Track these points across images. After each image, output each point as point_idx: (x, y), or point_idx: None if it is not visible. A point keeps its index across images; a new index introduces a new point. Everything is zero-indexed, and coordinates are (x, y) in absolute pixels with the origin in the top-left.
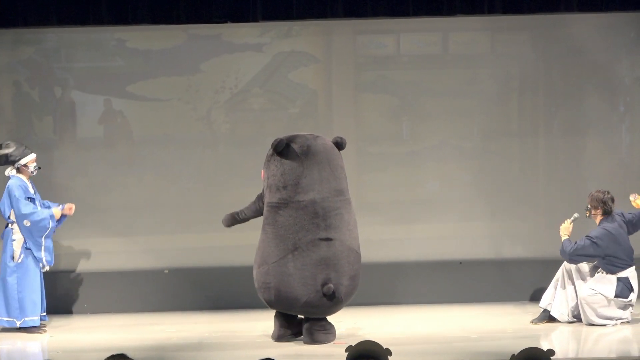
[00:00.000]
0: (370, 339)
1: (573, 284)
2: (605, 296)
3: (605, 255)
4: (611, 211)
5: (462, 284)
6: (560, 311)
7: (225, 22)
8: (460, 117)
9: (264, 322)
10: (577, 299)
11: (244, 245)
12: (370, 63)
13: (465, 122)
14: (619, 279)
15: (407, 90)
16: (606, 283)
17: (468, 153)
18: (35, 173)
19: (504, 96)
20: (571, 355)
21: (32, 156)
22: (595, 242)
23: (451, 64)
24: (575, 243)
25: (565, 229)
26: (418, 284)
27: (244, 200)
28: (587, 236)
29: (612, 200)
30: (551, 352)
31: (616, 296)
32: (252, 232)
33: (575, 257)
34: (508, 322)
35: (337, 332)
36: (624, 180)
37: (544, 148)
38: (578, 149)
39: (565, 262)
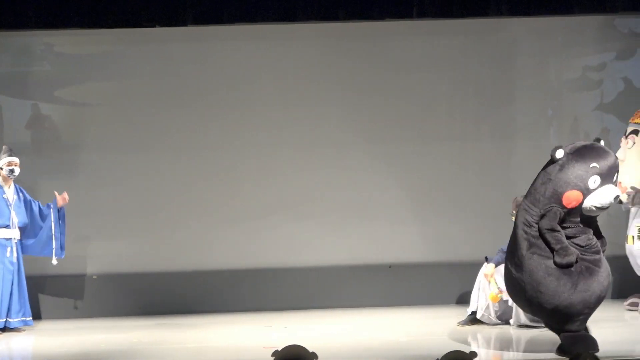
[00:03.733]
0: (296, 343)
1: (496, 284)
2: None
3: None
4: None
5: (392, 287)
6: (485, 313)
7: (154, 26)
8: (391, 121)
9: (195, 328)
10: (501, 301)
11: (174, 251)
12: (305, 68)
13: (395, 126)
14: None
15: (338, 94)
16: None
17: (398, 157)
18: (11, 176)
19: (434, 100)
20: (496, 357)
21: (6, 160)
22: None
23: (382, 68)
24: None
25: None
26: (348, 287)
27: (175, 206)
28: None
29: None
30: (473, 354)
31: None
32: (181, 237)
33: None
34: (437, 325)
35: (267, 336)
36: None
37: (473, 152)
38: (507, 152)
39: (484, 265)
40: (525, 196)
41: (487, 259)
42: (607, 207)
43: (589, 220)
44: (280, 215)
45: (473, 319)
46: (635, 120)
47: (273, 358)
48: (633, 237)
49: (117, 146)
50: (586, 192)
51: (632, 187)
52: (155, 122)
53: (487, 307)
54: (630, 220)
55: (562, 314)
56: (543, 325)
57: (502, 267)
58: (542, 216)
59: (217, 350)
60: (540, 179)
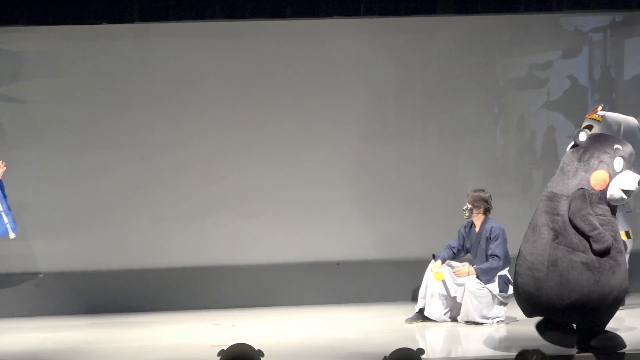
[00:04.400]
0: (243, 342)
1: (443, 282)
2: (490, 290)
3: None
4: (491, 209)
5: (340, 285)
6: (432, 309)
7: (101, 23)
8: (339, 119)
9: (142, 327)
10: (447, 297)
11: (122, 249)
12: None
13: (343, 124)
14: (499, 276)
15: (286, 93)
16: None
17: (346, 155)
18: None
19: (381, 98)
20: (443, 354)
21: None
22: (505, 239)
23: (329, 67)
24: (495, 257)
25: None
26: (296, 285)
27: (121, 204)
28: (499, 234)
29: (491, 198)
30: (421, 351)
31: (499, 291)
32: (129, 235)
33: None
34: (385, 322)
35: (214, 334)
36: (499, 180)
37: (421, 150)
38: (454, 150)
39: (432, 262)
40: (550, 184)
41: (434, 257)
42: (631, 194)
43: (612, 213)
44: (228, 213)
45: (421, 316)
46: (592, 116)
47: (219, 358)
48: None
49: (63, 144)
50: (613, 173)
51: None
52: (102, 119)
53: (435, 304)
54: None
55: (579, 309)
56: (490, 322)
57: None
58: (570, 201)
59: (164, 349)
60: (565, 164)
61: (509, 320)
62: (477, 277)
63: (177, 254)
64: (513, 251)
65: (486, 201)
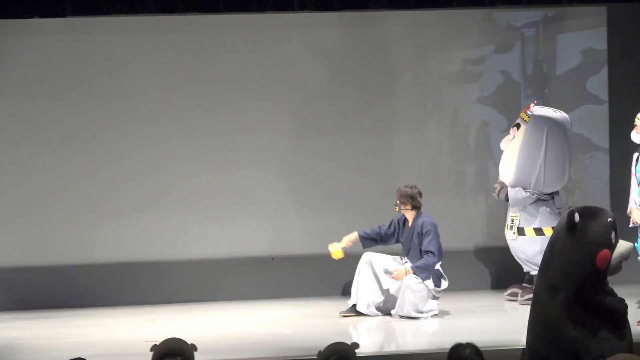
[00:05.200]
0: (176, 337)
1: (375, 274)
2: (425, 285)
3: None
4: (420, 206)
5: (275, 280)
6: (364, 303)
7: (32, 17)
8: (272, 114)
9: (76, 322)
10: (380, 290)
11: (56, 245)
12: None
13: (277, 118)
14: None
15: (220, 87)
16: None
17: (280, 150)
18: None
19: (315, 93)
20: (378, 349)
21: None
22: (437, 234)
23: (263, 61)
24: (429, 252)
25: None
26: (231, 280)
27: (55, 199)
28: (431, 230)
29: (420, 194)
30: (355, 345)
31: (434, 286)
32: (62, 230)
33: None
34: (320, 317)
35: (148, 330)
36: (432, 175)
37: (354, 145)
38: (388, 145)
39: (364, 255)
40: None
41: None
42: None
43: None
44: (161, 208)
45: (355, 310)
46: (522, 114)
47: (152, 352)
48: (507, 226)
49: None
50: (612, 248)
51: (498, 182)
52: (35, 114)
53: (368, 298)
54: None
55: None
56: (425, 316)
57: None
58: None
59: (99, 344)
60: (562, 248)
61: (442, 314)
62: (415, 274)
63: (110, 249)
64: (446, 245)
65: (413, 197)
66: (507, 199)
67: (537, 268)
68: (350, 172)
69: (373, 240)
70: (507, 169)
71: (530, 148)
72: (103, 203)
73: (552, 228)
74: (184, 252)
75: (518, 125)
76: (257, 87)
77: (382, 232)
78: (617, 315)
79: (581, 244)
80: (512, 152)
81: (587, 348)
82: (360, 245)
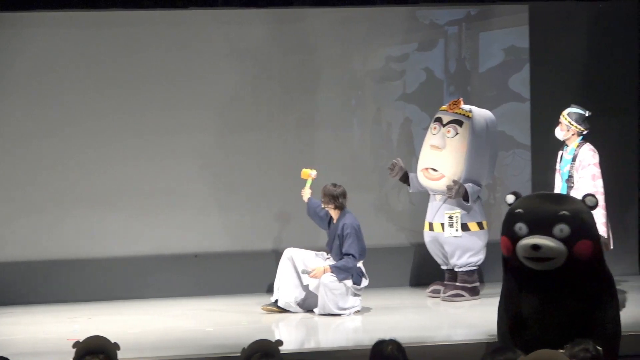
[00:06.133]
0: (98, 335)
1: (296, 271)
2: (344, 283)
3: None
4: (343, 206)
5: (198, 277)
6: (287, 301)
7: None
8: (197, 110)
9: None
10: (301, 286)
11: None
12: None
13: (200, 115)
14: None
15: (144, 84)
16: None
17: (203, 146)
18: None
19: (239, 90)
20: (301, 345)
21: None
22: (358, 236)
23: (187, 58)
24: (350, 255)
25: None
26: (154, 277)
27: None
28: (351, 232)
29: (344, 195)
30: (279, 342)
31: (353, 283)
32: None
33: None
34: (243, 314)
35: (71, 328)
36: (356, 173)
37: (278, 142)
38: (311, 142)
39: (286, 251)
40: None
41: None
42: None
43: None
44: (84, 205)
45: (277, 306)
46: (457, 110)
47: (74, 350)
48: (442, 224)
49: None
50: (513, 239)
51: (453, 181)
52: None
53: (289, 295)
54: (433, 208)
55: None
56: (347, 312)
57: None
58: None
59: (21, 343)
60: None
61: (364, 310)
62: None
63: (31, 246)
64: (369, 243)
65: (336, 197)
66: (465, 198)
67: (479, 262)
68: (274, 169)
69: (315, 211)
70: (455, 166)
71: (479, 143)
72: (24, 200)
73: (478, 224)
74: (107, 249)
75: (459, 122)
76: (181, 84)
77: (321, 212)
78: None
79: None
80: (458, 149)
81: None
82: (284, 243)
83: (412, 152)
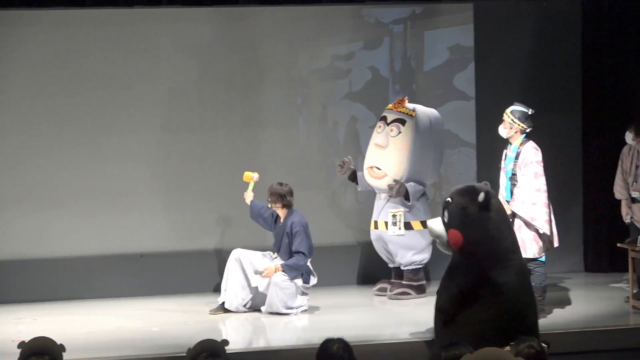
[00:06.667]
0: (44, 336)
1: (244, 272)
2: (294, 282)
3: None
4: (290, 205)
5: (144, 277)
6: (232, 301)
7: None
8: (141, 110)
9: None
10: (248, 288)
11: None
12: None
13: (146, 114)
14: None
15: (88, 82)
16: None
17: (149, 146)
18: None
19: (184, 89)
20: (248, 345)
21: None
22: (307, 233)
23: (131, 57)
24: (300, 253)
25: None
26: (100, 277)
27: None
28: (300, 230)
29: (291, 193)
30: (225, 342)
31: (303, 282)
32: None
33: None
34: (189, 314)
35: (16, 329)
36: (302, 171)
37: (223, 141)
38: (257, 141)
39: (233, 252)
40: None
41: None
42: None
43: None
44: (28, 205)
45: (224, 308)
46: (400, 109)
47: (19, 350)
48: (386, 223)
49: None
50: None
51: (394, 180)
52: None
53: (236, 296)
54: (378, 206)
55: None
56: (295, 311)
57: None
58: None
59: None
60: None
61: (312, 309)
62: (284, 272)
63: None
64: (316, 241)
65: (282, 196)
66: (407, 197)
67: (424, 260)
68: (220, 168)
69: (259, 213)
70: (398, 166)
71: (422, 142)
72: None
73: (422, 222)
74: (52, 249)
75: (401, 121)
76: (127, 83)
77: (266, 214)
78: None
79: None
80: (401, 148)
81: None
82: (231, 242)
83: (359, 150)
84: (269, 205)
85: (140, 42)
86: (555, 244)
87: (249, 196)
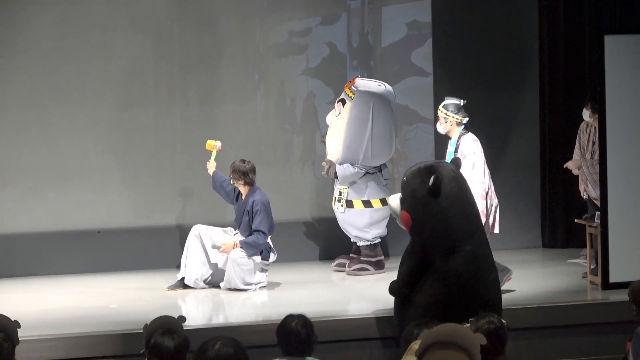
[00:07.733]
0: None
1: (204, 248)
2: (253, 259)
3: None
4: (252, 182)
5: (102, 254)
6: (192, 277)
7: None
8: (96, 87)
9: None
10: (208, 264)
11: None
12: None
13: (100, 91)
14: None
15: (41, 59)
16: None
17: (104, 122)
18: None
19: (139, 65)
20: (206, 321)
21: None
22: (268, 212)
23: (84, 32)
24: (260, 232)
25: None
26: (56, 254)
27: None
28: (261, 209)
29: (254, 170)
30: (182, 319)
31: (261, 259)
32: None
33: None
34: (147, 290)
35: None
36: (259, 147)
37: (180, 117)
38: (215, 117)
39: (193, 228)
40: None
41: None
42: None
43: None
44: None
45: (183, 284)
46: (346, 89)
47: None
48: (334, 198)
49: None
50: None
51: (325, 160)
52: None
53: (196, 272)
54: (335, 183)
55: None
56: (253, 287)
57: None
58: None
59: None
60: None
61: (271, 286)
62: (242, 248)
63: None
64: (276, 218)
65: (245, 173)
66: (336, 176)
67: (366, 239)
68: (176, 144)
69: (221, 185)
70: (334, 147)
71: (357, 124)
72: None
73: (380, 200)
74: (5, 225)
75: (343, 101)
76: (81, 60)
77: (228, 187)
78: None
79: None
80: (339, 129)
81: None
82: (187, 220)
83: (316, 126)
84: (231, 182)
85: (94, 18)
86: (495, 231)
87: (211, 166)
